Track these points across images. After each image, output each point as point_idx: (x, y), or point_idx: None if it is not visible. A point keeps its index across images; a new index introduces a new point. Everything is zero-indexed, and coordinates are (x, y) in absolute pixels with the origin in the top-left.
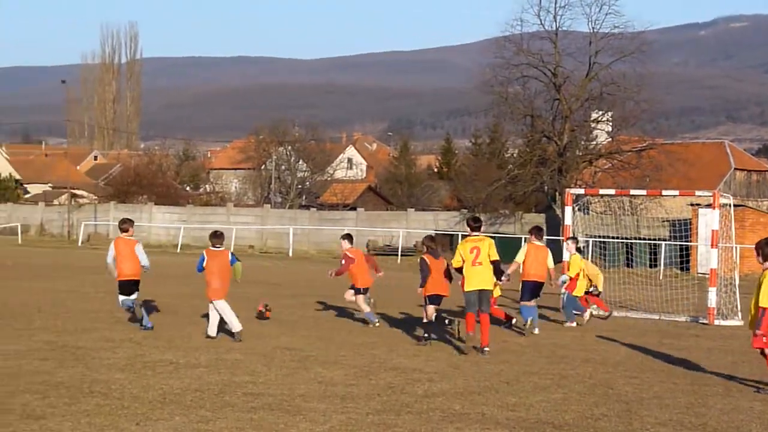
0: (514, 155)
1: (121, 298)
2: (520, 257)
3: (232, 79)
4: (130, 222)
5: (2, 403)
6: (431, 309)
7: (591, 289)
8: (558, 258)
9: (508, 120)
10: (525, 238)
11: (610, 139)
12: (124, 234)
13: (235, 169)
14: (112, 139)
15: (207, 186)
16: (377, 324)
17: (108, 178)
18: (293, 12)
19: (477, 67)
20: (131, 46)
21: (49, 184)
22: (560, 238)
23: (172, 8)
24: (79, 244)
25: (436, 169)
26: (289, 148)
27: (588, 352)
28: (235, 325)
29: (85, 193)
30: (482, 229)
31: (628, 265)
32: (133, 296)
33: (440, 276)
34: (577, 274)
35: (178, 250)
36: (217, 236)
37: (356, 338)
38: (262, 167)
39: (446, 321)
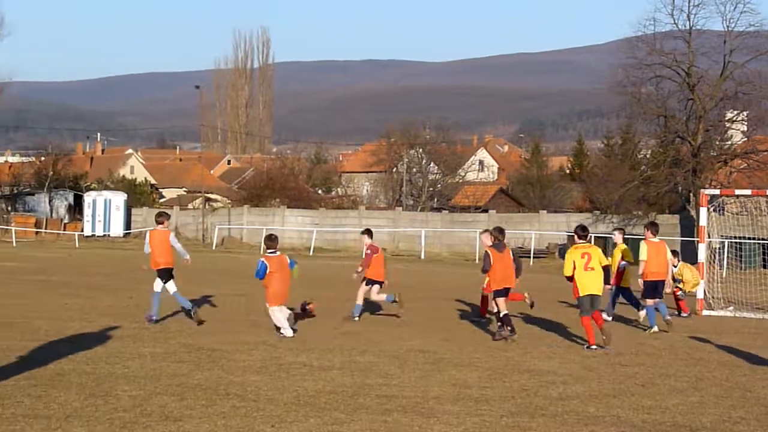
0: (647, 156)
1: (160, 284)
2: (643, 255)
3: (364, 83)
4: (166, 215)
5: (141, 405)
6: (501, 302)
7: (678, 291)
8: (692, 259)
9: (640, 120)
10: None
11: (745, 139)
12: (160, 226)
13: (367, 172)
14: (245, 143)
15: (339, 189)
16: (356, 319)
17: (241, 181)
18: (424, 15)
19: (608, 67)
20: (263, 51)
21: (184, 189)
22: (695, 239)
23: (303, 13)
24: (213, 247)
25: (568, 171)
26: (421, 150)
27: (724, 355)
28: (288, 332)
29: (218, 197)
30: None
31: (764, 266)
32: (172, 286)
33: (505, 268)
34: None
35: (311, 253)
36: (271, 239)
37: (490, 340)
38: (394, 170)
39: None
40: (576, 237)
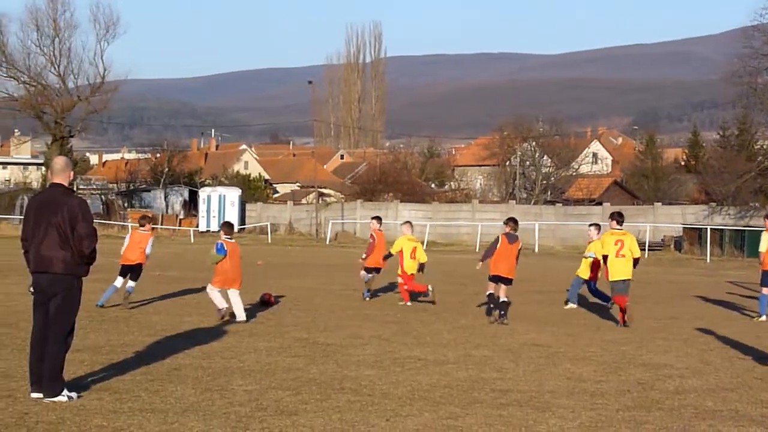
0: (764, 147)
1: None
2: (762, 247)
3: (476, 77)
4: (148, 219)
5: (256, 400)
6: (492, 286)
7: None
8: None
9: (757, 111)
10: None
11: None
12: (141, 229)
13: (480, 165)
14: (358, 137)
15: (452, 183)
16: (367, 299)
17: (354, 176)
18: (536, 7)
19: (723, 57)
20: (375, 46)
21: (297, 184)
22: None
23: (415, 6)
24: (327, 242)
25: (683, 163)
26: (534, 143)
27: None
28: (240, 315)
29: (332, 192)
30: (732, 222)
31: None
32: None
33: (507, 259)
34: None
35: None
36: (228, 226)
37: (604, 334)
38: (507, 163)
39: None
40: (615, 223)
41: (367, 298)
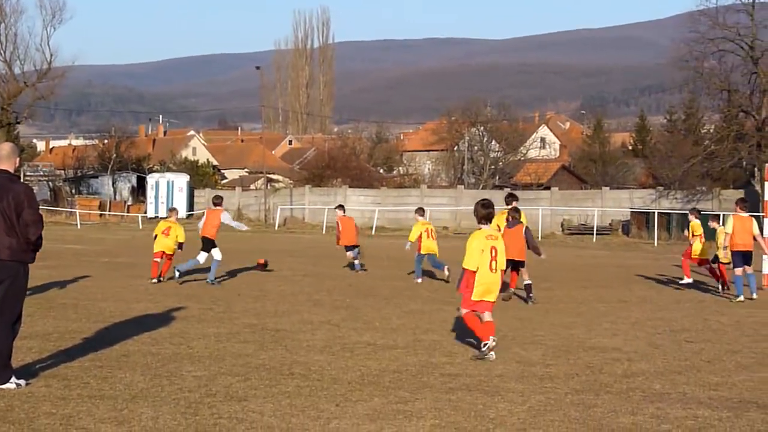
0: (711, 131)
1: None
2: (728, 228)
3: (424, 62)
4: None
5: (206, 386)
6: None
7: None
8: None
9: (704, 95)
10: (723, 214)
11: None
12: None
13: (428, 150)
14: (306, 123)
15: (400, 168)
16: (359, 270)
17: (303, 162)
18: None
19: (671, 42)
20: (323, 31)
21: (246, 169)
22: (761, 214)
23: None
24: (276, 228)
25: (630, 147)
26: (482, 128)
27: None
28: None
29: (280, 178)
30: (680, 206)
31: None
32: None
33: (513, 242)
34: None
35: (373, 233)
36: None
37: (553, 318)
38: (455, 148)
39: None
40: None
41: (359, 270)
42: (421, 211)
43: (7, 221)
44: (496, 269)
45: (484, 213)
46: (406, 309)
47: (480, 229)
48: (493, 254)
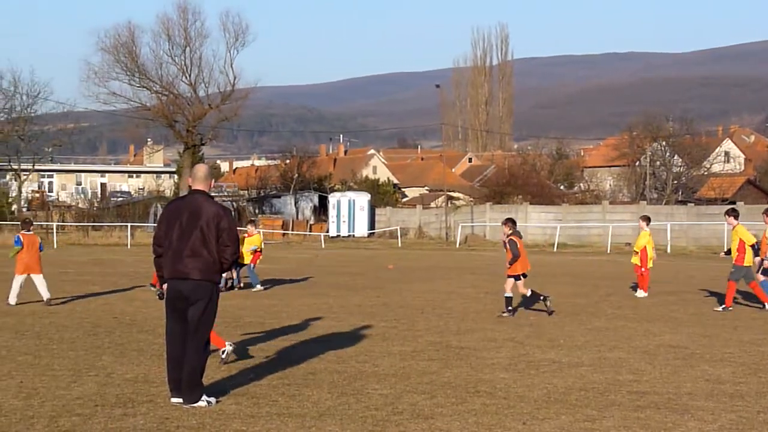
0: None
1: None
2: None
3: (604, 76)
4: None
5: (392, 404)
6: (521, 284)
7: None
8: None
9: None
10: None
11: None
12: None
13: (610, 166)
14: (486, 140)
15: (581, 184)
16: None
17: (483, 179)
18: (665, 5)
19: None
20: (502, 48)
21: (426, 187)
22: None
23: (541, 7)
24: (457, 245)
25: None
26: (664, 143)
27: None
28: (45, 293)
29: (461, 195)
30: None
31: None
32: None
33: (526, 255)
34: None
35: (555, 249)
36: (26, 222)
37: (742, 335)
38: (637, 164)
39: (542, 298)
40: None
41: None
42: (645, 219)
43: (204, 241)
44: None
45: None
46: (590, 326)
47: None
48: None
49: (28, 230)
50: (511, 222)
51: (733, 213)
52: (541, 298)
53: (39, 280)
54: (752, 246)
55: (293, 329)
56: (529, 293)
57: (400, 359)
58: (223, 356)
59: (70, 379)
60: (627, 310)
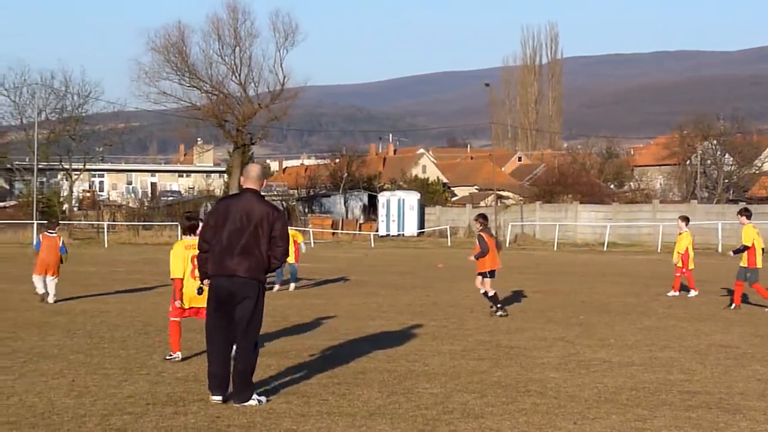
0: None
1: None
2: None
3: (654, 75)
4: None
5: (442, 403)
6: (489, 282)
7: None
8: None
9: None
10: None
11: None
12: None
13: (660, 165)
14: (535, 139)
15: (631, 183)
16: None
17: (532, 178)
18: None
19: None
20: (552, 47)
21: (476, 186)
22: None
23: (591, 6)
24: (507, 244)
25: None
26: (715, 142)
27: None
28: (51, 291)
29: (510, 194)
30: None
31: None
32: None
33: (495, 252)
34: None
35: (605, 249)
36: (51, 223)
37: None
38: (687, 162)
39: (498, 306)
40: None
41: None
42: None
43: (256, 239)
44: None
45: (187, 225)
46: (640, 325)
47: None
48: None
49: (53, 230)
50: (482, 218)
51: (746, 213)
52: (498, 306)
53: (51, 281)
54: (742, 247)
55: (343, 328)
56: (491, 293)
57: (450, 358)
58: (168, 357)
59: (121, 377)
60: (678, 310)
